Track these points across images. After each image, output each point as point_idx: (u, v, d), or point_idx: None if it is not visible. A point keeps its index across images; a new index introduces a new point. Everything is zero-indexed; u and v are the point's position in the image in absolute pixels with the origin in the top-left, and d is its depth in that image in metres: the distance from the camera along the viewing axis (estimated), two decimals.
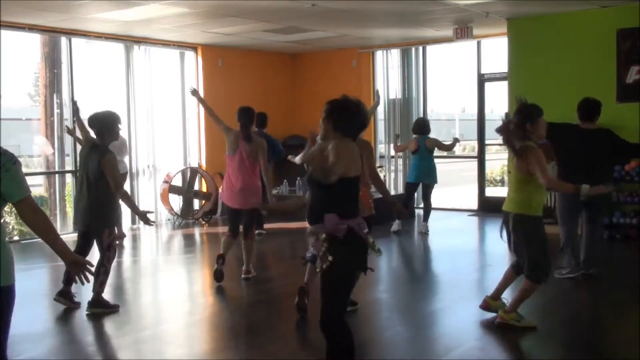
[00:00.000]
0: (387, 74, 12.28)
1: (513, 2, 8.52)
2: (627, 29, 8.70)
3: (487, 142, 11.86)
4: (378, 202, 5.77)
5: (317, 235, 3.46)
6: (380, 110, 12.12)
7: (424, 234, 9.42)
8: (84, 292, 5.59)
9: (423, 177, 9.35)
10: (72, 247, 9.11)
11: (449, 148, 10.01)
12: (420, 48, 11.90)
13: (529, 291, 4.88)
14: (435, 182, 9.52)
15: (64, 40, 10.10)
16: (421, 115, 11.75)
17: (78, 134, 5.99)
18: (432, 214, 9.89)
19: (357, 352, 3.51)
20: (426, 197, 9.58)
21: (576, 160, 6.05)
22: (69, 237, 9.97)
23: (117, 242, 5.66)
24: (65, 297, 5.76)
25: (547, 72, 9.38)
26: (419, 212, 10.44)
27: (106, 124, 5.52)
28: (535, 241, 4.82)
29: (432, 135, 9.56)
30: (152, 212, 6.07)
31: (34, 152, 10.77)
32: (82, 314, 5.61)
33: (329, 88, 12.74)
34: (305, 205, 3.49)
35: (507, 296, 5.20)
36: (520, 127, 4.73)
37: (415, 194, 10.14)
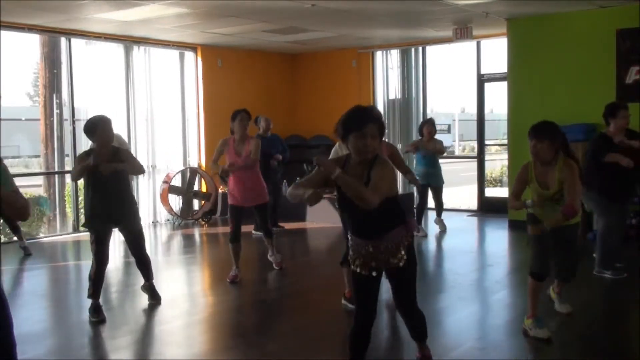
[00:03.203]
0: (387, 74, 12.27)
1: (513, 2, 8.52)
2: (627, 29, 8.69)
3: (486, 142, 11.85)
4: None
5: (391, 243, 3.56)
6: (381, 111, 12.11)
7: (442, 231, 9.44)
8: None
9: (429, 179, 9.22)
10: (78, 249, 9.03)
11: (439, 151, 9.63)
12: (420, 48, 11.90)
13: (531, 288, 4.86)
14: (442, 182, 9.44)
15: (63, 40, 10.10)
16: (422, 116, 11.75)
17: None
18: (432, 214, 9.91)
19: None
20: (437, 199, 9.46)
21: None
22: (70, 237, 10.00)
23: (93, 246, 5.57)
24: (148, 291, 5.95)
25: (547, 72, 9.38)
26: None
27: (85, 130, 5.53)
28: (531, 236, 4.89)
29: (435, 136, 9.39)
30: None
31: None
32: (81, 314, 5.60)
33: (329, 88, 12.78)
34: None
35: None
36: None
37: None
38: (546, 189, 4.66)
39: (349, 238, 3.70)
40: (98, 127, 5.41)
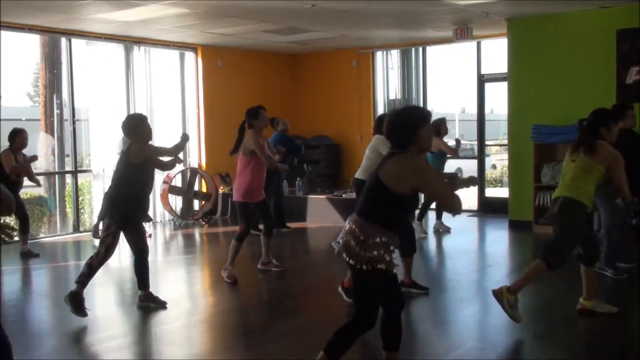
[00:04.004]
0: (387, 75, 12.28)
1: (513, 2, 8.52)
2: (627, 29, 8.69)
3: (486, 142, 11.84)
4: None
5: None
6: (381, 111, 12.13)
7: (443, 232, 9.45)
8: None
9: None
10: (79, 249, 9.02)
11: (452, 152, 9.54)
12: (420, 48, 11.90)
13: (538, 272, 4.89)
14: None
15: (63, 40, 10.11)
16: None
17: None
18: (432, 214, 9.91)
19: (356, 353, 3.72)
20: None
21: None
22: (70, 237, 10.00)
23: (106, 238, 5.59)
24: (150, 300, 5.81)
25: (547, 73, 9.38)
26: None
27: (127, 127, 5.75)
28: (571, 227, 4.94)
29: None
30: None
31: (39, 151, 10.83)
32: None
33: (329, 88, 12.79)
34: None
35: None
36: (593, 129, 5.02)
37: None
38: None
39: (389, 239, 3.49)
40: (140, 124, 5.70)
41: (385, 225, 3.47)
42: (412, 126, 3.51)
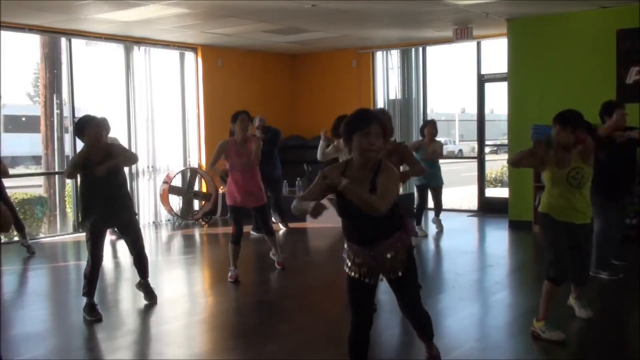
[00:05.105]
0: (387, 75, 12.28)
1: (513, 2, 8.52)
2: (627, 29, 8.70)
3: (486, 142, 11.85)
4: None
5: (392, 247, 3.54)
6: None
7: (438, 231, 9.45)
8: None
9: (428, 179, 9.18)
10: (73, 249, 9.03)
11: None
12: (420, 48, 11.90)
13: (548, 292, 4.82)
14: (441, 183, 9.45)
15: (63, 40, 10.10)
16: (422, 116, 11.77)
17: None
18: (432, 214, 9.91)
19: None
20: (437, 199, 9.48)
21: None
22: (70, 237, 10.00)
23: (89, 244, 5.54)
24: (144, 288, 5.93)
25: (547, 73, 9.38)
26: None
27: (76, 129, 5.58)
28: (545, 239, 4.88)
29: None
30: None
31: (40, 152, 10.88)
32: (80, 314, 5.59)
33: (329, 88, 12.78)
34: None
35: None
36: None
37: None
38: (562, 167, 4.68)
39: (346, 245, 3.62)
40: (86, 127, 5.45)
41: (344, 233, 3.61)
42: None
